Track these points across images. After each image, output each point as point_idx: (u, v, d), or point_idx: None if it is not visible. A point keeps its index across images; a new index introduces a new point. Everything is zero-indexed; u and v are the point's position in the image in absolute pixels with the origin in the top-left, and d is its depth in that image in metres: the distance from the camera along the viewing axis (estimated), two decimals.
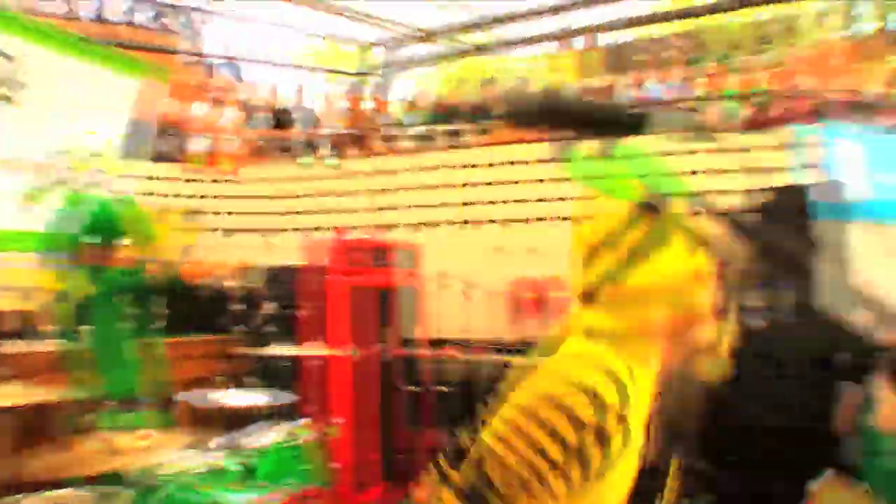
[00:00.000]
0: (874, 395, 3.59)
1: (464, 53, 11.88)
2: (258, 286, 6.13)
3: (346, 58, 12.85)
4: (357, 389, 4.61)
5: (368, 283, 4.85)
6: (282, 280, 5.84)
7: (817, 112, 6.40)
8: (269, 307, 5.74)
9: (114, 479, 2.57)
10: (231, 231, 7.65)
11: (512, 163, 6.67)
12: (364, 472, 4.52)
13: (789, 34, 16.68)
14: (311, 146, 8.06)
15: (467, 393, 5.58)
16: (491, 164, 6.74)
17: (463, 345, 5.69)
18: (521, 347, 5.54)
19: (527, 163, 6.60)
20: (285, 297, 5.60)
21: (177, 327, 6.04)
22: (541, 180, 6.53)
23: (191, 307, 6.43)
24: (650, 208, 0.82)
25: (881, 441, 3.52)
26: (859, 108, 6.45)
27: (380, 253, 5.04)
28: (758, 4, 13.03)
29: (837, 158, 5.89)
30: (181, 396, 3.96)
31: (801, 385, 4.13)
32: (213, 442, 3.42)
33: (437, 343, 5.81)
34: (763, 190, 5.38)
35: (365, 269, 4.87)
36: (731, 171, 6.01)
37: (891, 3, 18.65)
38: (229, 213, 7.69)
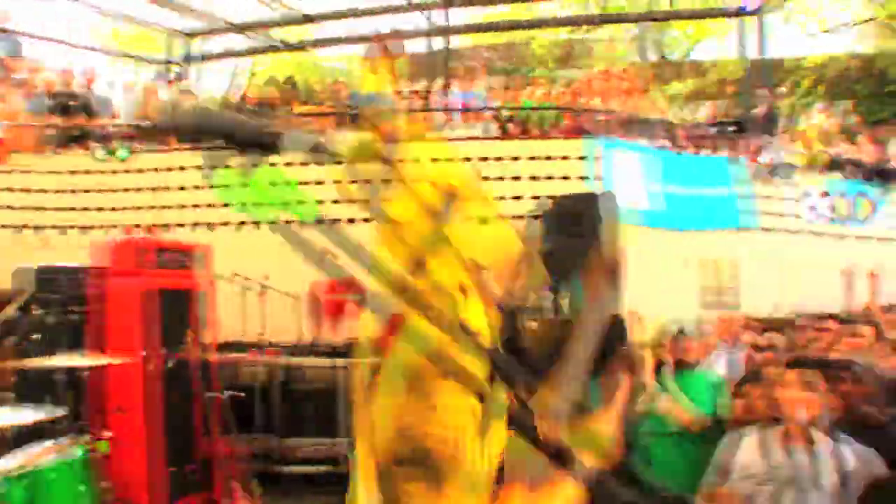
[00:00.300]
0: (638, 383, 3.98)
1: (272, 49, 11.61)
2: (27, 290, 5.49)
3: (150, 44, 12.03)
4: (148, 399, 4.32)
5: (162, 285, 4.56)
6: (57, 283, 5.28)
7: (603, 127, 7.00)
8: (39, 313, 5.14)
9: None
10: None
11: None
12: (159, 486, 4.22)
13: (588, 55, 18.17)
14: (101, 137, 7.36)
15: (265, 397, 5.44)
16: (289, 164, 6.61)
17: (259, 348, 5.53)
18: (321, 349, 5.50)
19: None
20: (60, 301, 5.07)
21: None
22: (338, 181, 6.53)
23: None
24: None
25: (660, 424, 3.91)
26: (641, 127, 7.15)
27: (173, 254, 4.75)
28: (562, 25, 14.12)
29: (619, 171, 6.50)
30: None
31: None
32: None
33: (232, 347, 5.60)
34: (552, 197, 5.76)
35: (157, 271, 4.57)
36: (524, 178, 6.41)
37: (674, 38, 20.90)
38: None
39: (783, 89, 9.28)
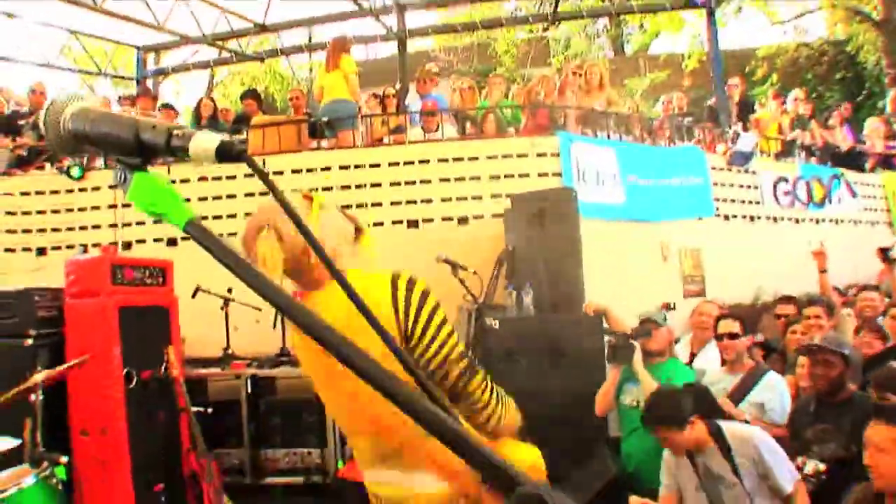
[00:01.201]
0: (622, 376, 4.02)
1: (231, 61, 11.51)
2: None
3: (102, 58, 11.84)
4: (131, 418, 4.26)
5: (138, 302, 4.51)
6: (11, 305, 5.15)
7: (563, 123, 7.04)
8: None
9: None
10: None
11: (272, 172, 6.56)
12: None
13: (546, 54, 18.28)
14: (52, 156, 7.22)
15: (235, 411, 5.37)
16: (249, 175, 6.55)
17: (225, 362, 5.47)
18: (289, 359, 5.44)
19: (300, 171, 6.54)
20: (15, 326, 4.95)
21: None
22: (298, 190, 6.49)
23: None
24: None
25: (635, 416, 3.91)
26: (601, 121, 7.20)
27: (144, 270, 4.70)
28: (519, 24, 14.20)
29: (581, 166, 6.54)
30: None
31: (559, 371, 4.44)
32: None
33: (197, 362, 5.53)
34: (512, 195, 5.78)
35: (131, 288, 4.52)
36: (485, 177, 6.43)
37: (630, 35, 21.09)
38: None
39: (736, 79, 9.43)
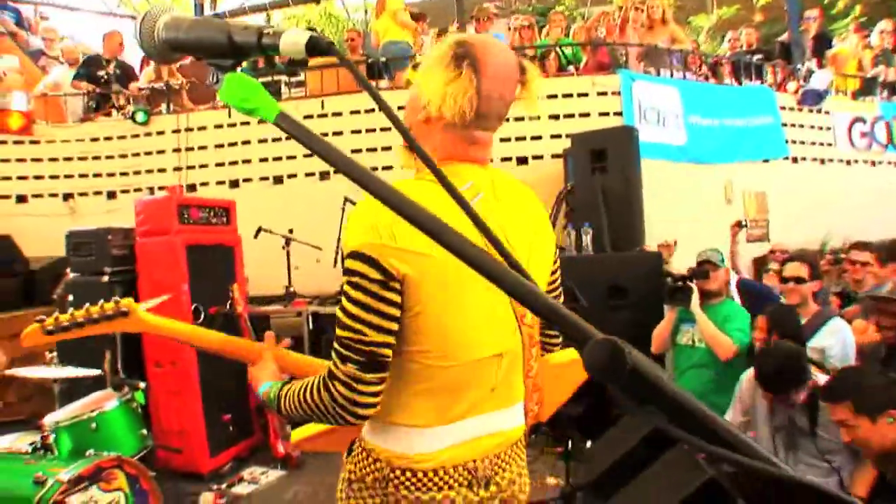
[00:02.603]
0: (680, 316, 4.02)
1: (288, 4, 11.49)
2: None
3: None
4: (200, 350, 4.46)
5: (203, 241, 4.67)
6: (91, 245, 5.40)
7: (625, 61, 6.82)
8: (72, 276, 5.28)
9: None
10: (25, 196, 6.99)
11: (331, 114, 6.60)
12: (209, 436, 4.40)
13: None
14: (119, 102, 7.42)
15: (298, 346, 5.55)
16: (308, 117, 6.61)
17: (287, 299, 5.63)
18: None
19: (358, 112, 6.56)
20: (95, 264, 5.20)
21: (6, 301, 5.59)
22: (357, 131, 6.53)
23: (21, 281, 5.93)
24: None
25: (691, 355, 3.97)
26: (664, 58, 6.94)
27: (209, 210, 4.85)
28: None
29: (643, 105, 6.36)
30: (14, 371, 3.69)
31: (621, 310, 4.45)
32: (47, 417, 3.24)
33: (260, 300, 5.72)
34: (572, 135, 5.68)
35: (197, 227, 4.68)
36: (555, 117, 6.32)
37: None
38: (21, 178, 6.99)
39: (814, 12, 8.88)
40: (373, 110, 6.54)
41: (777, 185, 6.92)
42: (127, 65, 7.84)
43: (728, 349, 3.72)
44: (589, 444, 3.93)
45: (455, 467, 1.40)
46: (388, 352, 1.30)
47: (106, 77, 7.46)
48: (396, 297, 1.27)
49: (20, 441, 3.18)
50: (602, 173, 5.04)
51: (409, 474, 1.38)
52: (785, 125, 7.14)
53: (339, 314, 1.29)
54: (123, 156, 7.04)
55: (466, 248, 0.65)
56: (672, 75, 6.84)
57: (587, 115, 6.26)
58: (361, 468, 1.44)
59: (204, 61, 0.82)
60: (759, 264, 6.31)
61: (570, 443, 3.77)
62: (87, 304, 1.67)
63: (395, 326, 1.29)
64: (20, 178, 6.97)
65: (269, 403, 1.47)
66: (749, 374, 3.29)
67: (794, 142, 7.19)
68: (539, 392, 1.59)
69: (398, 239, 1.24)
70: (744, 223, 5.78)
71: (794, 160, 7.17)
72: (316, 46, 0.77)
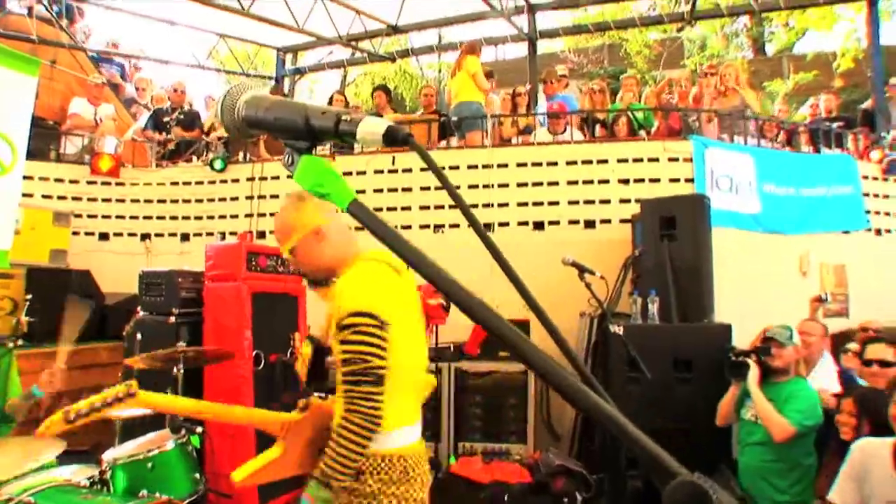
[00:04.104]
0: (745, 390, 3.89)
1: (363, 61, 11.88)
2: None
3: (244, 60, 12.59)
4: (257, 395, 4.52)
5: (269, 289, 4.76)
6: (159, 286, 5.60)
7: (698, 127, 6.73)
8: (142, 314, 5.46)
9: None
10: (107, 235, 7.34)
11: (401, 170, 6.71)
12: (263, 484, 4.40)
13: (700, 51, 17.51)
14: (199, 149, 7.79)
15: None
16: (378, 171, 6.75)
17: None
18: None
19: (427, 170, 6.65)
20: (161, 304, 5.37)
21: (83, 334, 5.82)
22: (426, 188, 6.61)
23: (96, 315, 6.19)
24: None
25: (753, 431, 3.82)
26: (739, 124, 6.82)
27: (275, 259, 4.95)
28: (653, 24, 13.73)
29: (716, 172, 6.23)
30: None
31: (686, 383, 4.33)
32: (107, 453, 3.33)
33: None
34: (641, 200, 5.60)
35: (265, 275, 4.78)
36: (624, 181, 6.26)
37: (774, 33, 19.78)
38: (105, 217, 7.34)
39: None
40: (441, 168, 6.60)
41: (857, 259, 6.61)
42: (192, 112, 8.27)
43: (782, 430, 3.57)
44: None
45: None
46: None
47: (170, 125, 7.89)
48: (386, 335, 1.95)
49: (79, 473, 3.24)
50: (671, 240, 4.93)
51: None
52: (867, 195, 6.85)
53: (349, 354, 1.91)
54: (199, 200, 7.33)
55: (506, 331, 0.64)
56: (746, 142, 6.70)
57: (657, 180, 6.17)
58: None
59: (280, 140, 0.83)
60: (838, 342, 5.98)
61: None
62: (103, 392, 1.91)
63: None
64: (104, 216, 7.32)
65: (331, 481, 1.97)
66: (861, 444, 2.95)
67: (877, 213, 6.88)
68: None
69: (382, 305, 1.96)
70: (824, 297, 5.53)
71: (878, 232, 6.85)
72: (393, 137, 0.77)
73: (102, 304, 6.35)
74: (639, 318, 4.62)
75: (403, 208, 6.61)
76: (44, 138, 7.22)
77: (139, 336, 4.81)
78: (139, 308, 5.43)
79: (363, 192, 6.69)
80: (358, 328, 1.91)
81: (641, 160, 6.26)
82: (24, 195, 5.38)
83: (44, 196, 7.01)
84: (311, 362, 2.16)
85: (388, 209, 6.59)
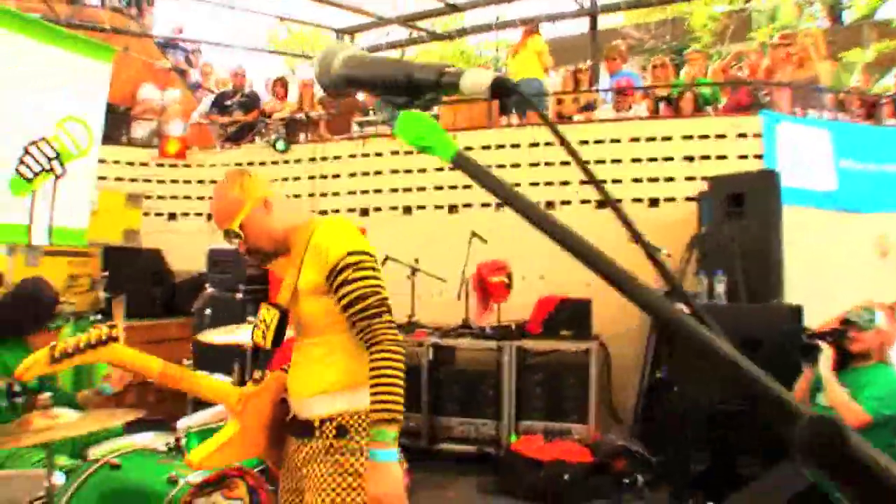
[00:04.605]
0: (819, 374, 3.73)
1: (421, 40, 11.86)
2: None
3: (303, 42, 12.74)
4: None
5: None
6: (226, 263, 5.77)
7: (768, 102, 6.48)
8: (210, 291, 5.64)
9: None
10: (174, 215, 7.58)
11: (462, 148, 6.67)
12: None
13: (770, 22, 16.79)
14: (262, 130, 7.94)
15: (417, 377, 5.60)
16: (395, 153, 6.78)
17: (410, 330, 5.69)
18: (471, 331, 5.55)
19: (488, 147, 6.64)
20: (228, 281, 5.54)
21: (151, 310, 6.10)
22: (486, 166, 6.55)
23: (165, 292, 6.45)
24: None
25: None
26: (812, 98, 6.54)
27: None
28: None
29: (787, 148, 5.99)
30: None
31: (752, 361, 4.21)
32: (180, 421, 3.48)
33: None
34: (708, 178, 5.45)
35: None
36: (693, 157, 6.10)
37: None
38: (173, 197, 7.58)
39: None
40: (502, 146, 6.57)
41: None
42: (254, 94, 8.40)
43: (856, 417, 3.36)
44: None
45: None
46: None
47: (233, 107, 8.05)
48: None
49: (156, 439, 3.39)
50: (739, 219, 4.77)
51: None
52: None
53: (359, 290, 1.92)
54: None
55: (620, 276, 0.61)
56: (822, 116, 6.40)
57: (724, 157, 5.96)
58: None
59: (378, 97, 0.82)
60: None
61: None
62: (86, 334, 1.98)
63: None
64: (172, 197, 7.57)
65: (396, 416, 1.88)
66: None
67: None
68: None
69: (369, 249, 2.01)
70: None
71: None
72: (502, 87, 0.75)
73: (171, 281, 6.60)
74: (705, 298, 4.51)
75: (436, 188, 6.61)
76: (115, 123, 7.49)
77: (208, 312, 4.98)
78: (207, 285, 5.62)
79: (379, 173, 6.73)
80: (359, 265, 1.94)
81: (708, 136, 6.07)
82: (98, 178, 5.60)
83: (116, 179, 7.28)
84: (275, 329, 2.06)
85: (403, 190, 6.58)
